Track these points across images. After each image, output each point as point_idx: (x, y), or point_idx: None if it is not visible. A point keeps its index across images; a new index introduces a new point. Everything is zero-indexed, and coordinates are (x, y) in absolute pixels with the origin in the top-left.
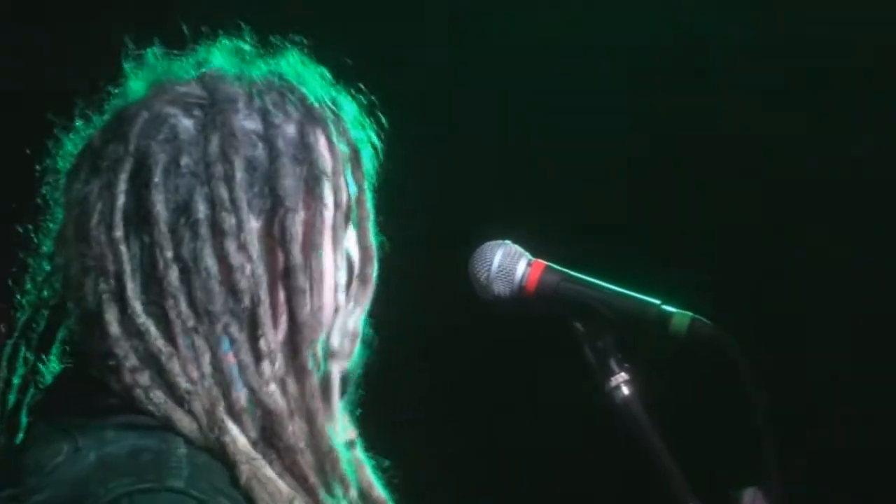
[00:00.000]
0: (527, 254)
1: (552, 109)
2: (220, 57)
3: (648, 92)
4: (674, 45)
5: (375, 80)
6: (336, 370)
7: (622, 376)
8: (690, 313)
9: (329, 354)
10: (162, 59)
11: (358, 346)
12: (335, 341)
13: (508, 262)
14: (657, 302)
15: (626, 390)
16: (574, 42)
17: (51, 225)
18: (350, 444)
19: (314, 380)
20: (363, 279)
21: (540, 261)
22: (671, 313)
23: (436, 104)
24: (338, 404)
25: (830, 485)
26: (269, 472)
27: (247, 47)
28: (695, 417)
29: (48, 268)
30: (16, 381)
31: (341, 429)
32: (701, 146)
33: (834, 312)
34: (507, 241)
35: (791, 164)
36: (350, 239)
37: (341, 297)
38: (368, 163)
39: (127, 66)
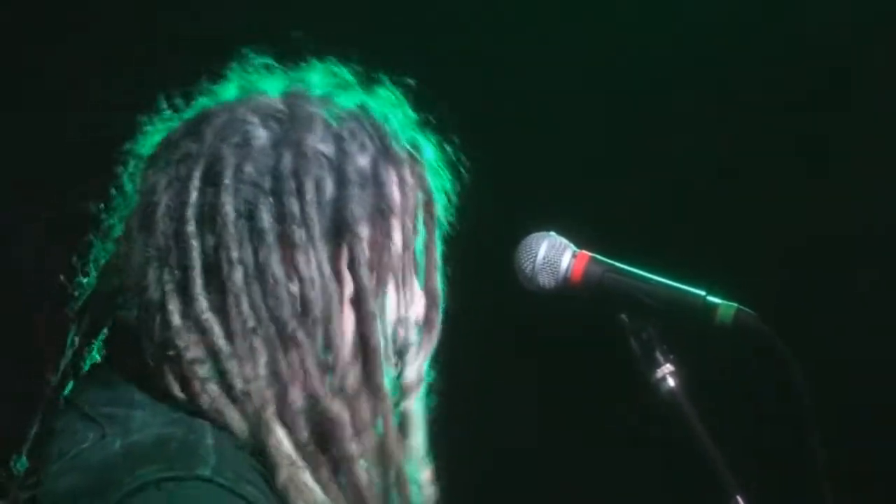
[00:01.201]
0: (572, 245)
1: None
2: (316, 78)
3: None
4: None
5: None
6: (411, 404)
7: (668, 367)
8: (735, 304)
9: (405, 387)
10: (260, 68)
11: (423, 389)
12: (411, 375)
13: (553, 254)
14: (702, 293)
15: (671, 381)
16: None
17: (123, 211)
18: (425, 482)
19: (388, 405)
20: (428, 324)
21: (585, 252)
22: (717, 304)
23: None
24: (415, 439)
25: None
26: (309, 478)
27: (346, 74)
28: (737, 410)
29: (112, 253)
30: (60, 367)
31: (415, 464)
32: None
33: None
34: (552, 233)
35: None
36: (415, 282)
37: (408, 335)
38: (442, 211)
39: (227, 69)
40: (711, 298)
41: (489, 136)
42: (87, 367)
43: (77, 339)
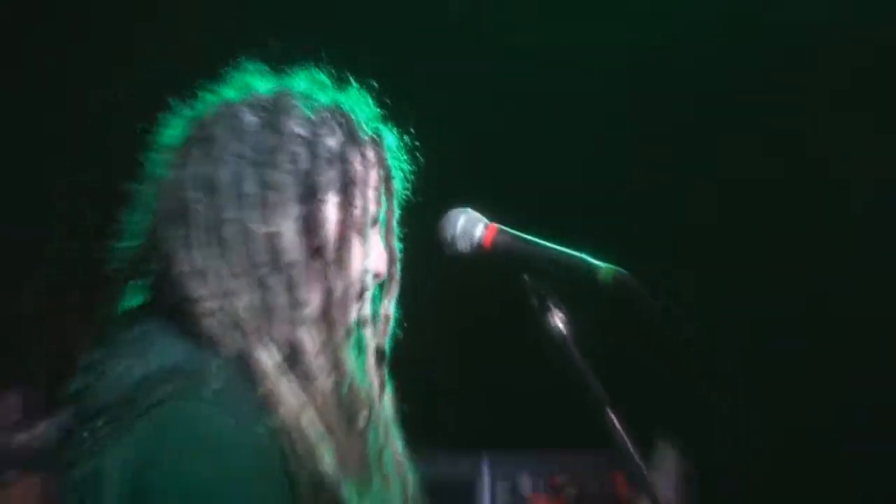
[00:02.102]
0: (484, 218)
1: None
2: (299, 80)
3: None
4: None
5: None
6: (369, 335)
7: (560, 317)
8: (614, 266)
9: (361, 322)
10: (255, 73)
11: (391, 327)
12: (366, 313)
13: (469, 225)
14: (586, 257)
15: (563, 328)
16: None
17: (147, 188)
18: (377, 389)
19: (340, 334)
20: (390, 276)
21: (495, 224)
22: (598, 266)
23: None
24: (369, 359)
25: None
26: (285, 388)
27: (323, 77)
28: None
29: (137, 220)
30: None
31: (365, 377)
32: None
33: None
34: (468, 209)
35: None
36: (377, 240)
37: (370, 281)
38: (399, 186)
39: (228, 74)
40: (594, 261)
41: (436, 130)
42: (120, 312)
43: (115, 290)
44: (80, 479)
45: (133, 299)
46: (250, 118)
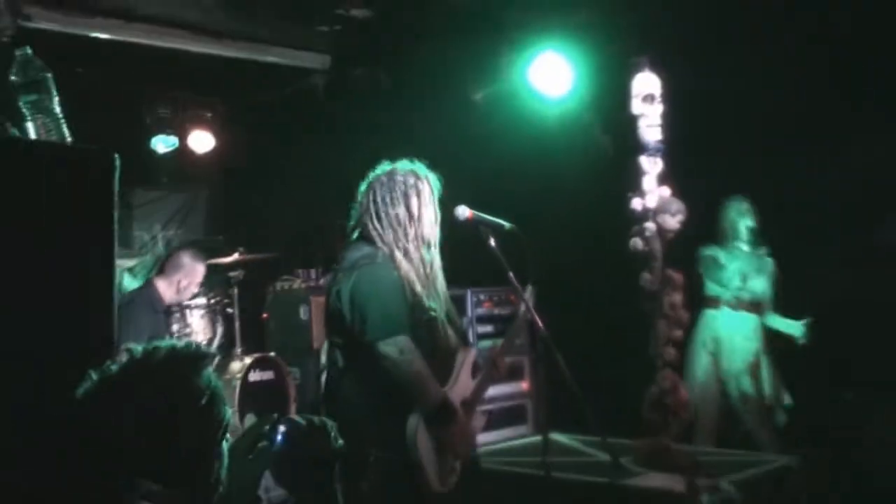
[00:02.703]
0: (469, 209)
1: None
2: (400, 163)
3: None
4: None
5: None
6: (434, 251)
7: (493, 241)
8: (515, 227)
9: (429, 245)
10: (400, 162)
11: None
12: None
13: (462, 211)
14: (504, 221)
15: (494, 245)
16: None
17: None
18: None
19: (424, 249)
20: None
21: (472, 210)
22: (510, 225)
23: None
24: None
25: None
26: (403, 263)
27: (412, 163)
28: None
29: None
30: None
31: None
32: None
33: None
34: (464, 206)
35: None
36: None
37: (432, 232)
38: (435, 197)
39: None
40: (510, 224)
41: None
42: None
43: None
44: (334, 293)
45: (353, 237)
46: (396, 176)
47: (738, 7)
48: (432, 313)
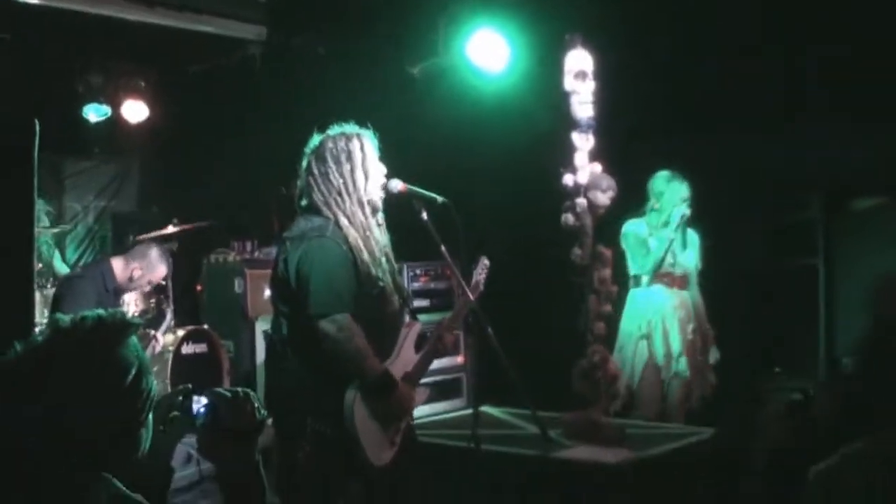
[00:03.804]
0: (401, 181)
1: None
2: (341, 127)
3: None
4: None
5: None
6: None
7: (424, 213)
8: (448, 201)
9: (375, 208)
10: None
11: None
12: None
13: (395, 184)
14: (441, 197)
15: (425, 216)
16: None
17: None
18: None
19: (369, 211)
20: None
21: (405, 184)
22: (443, 199)
23: None
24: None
25: None
26: (351, 231)
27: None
28: None
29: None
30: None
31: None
32: None
33: None
34: (396, 179)
35: None
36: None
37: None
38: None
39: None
40: (441, 197)
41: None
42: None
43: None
44: (282, 263)
45: (302, 205)
46: (329, 143)
47: None
48: (380, 284)
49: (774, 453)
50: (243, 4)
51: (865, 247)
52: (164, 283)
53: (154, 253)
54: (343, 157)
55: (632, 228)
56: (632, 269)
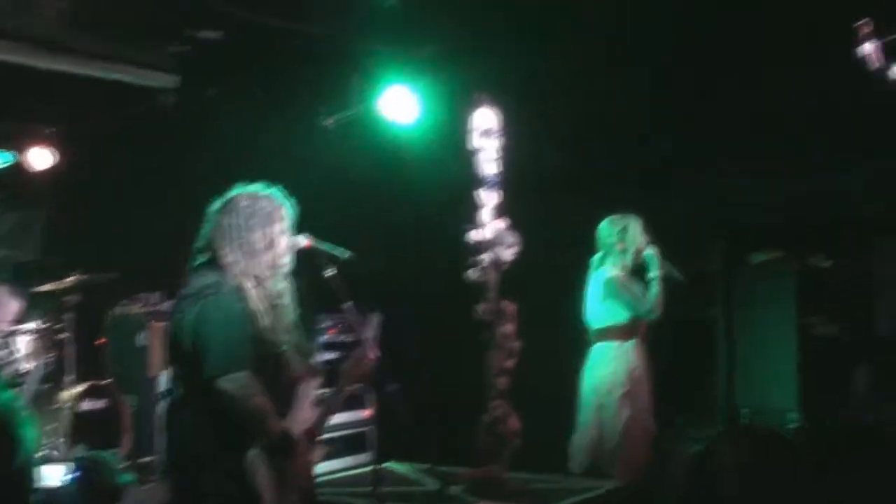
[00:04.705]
0: (306, 236)
1: None
2: (258, 186)
3: None
4: None
5: None
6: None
7: (329, 269)
8: (353, 255)
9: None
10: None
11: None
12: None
13: (300, 239)
14: (345, 253)
15: (330, 272)
16: None
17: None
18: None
19: (277, 282)
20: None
21: (310, 239)
22: (349, 256)
23: None
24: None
25: None
26: (252, 294)
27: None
28: None
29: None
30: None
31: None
32: None
33: None
34: (302, 234)
35: None
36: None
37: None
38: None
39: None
40: (347, 253)
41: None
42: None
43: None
44: (177, 322)
45: (200, 261)
46: (241, 202)
47: (575, 48)
48: (282, 347)
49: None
50: (156, 54)
51: (761, 298)
52: (18, 325)
53: (2, 292)
54: (270, 220)
55: (613, 275)
56: (620, 320)
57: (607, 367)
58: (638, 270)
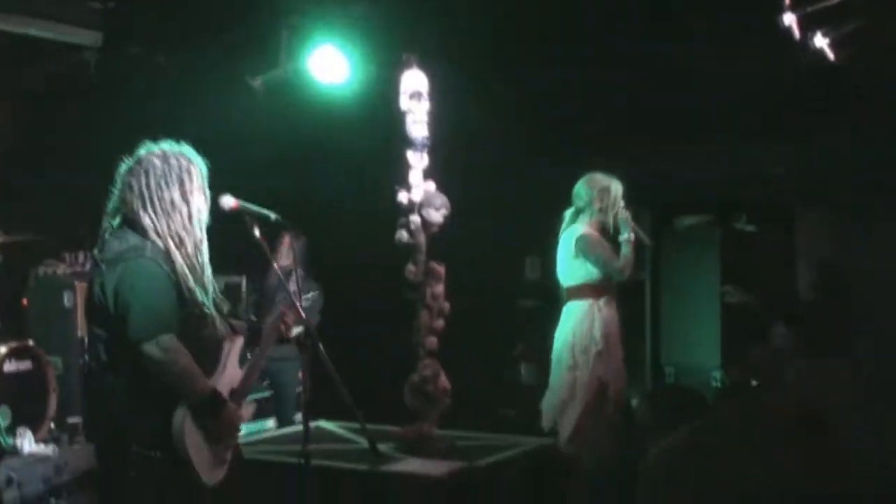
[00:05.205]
0: (233, 197)
1: None
2: (167, 144)
3: None
4: None
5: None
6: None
7: (257, 229)
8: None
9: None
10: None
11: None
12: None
13: (227, 200)
14: (273, 214)
15: (258, 233)
16: None
17: (117, 184)
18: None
19: (199, 239)
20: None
21: (237, 200)
22: (276, 216)
23: None
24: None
25: None
26: (176, 254)
27: (170, 143)
28: None
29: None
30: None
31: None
32: None
33: None
34: (228, 195)
35: None
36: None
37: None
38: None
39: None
40: (273, 214)
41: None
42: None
43: (107, 222)
44: (98, 285)
45: (116, 223)
46: (154, 160)
47: (510, 12)
48: (205, 309)
49: (601, 461)
50: (78, 9)
51: (687, 261)
52: None
53: None
54: (186, 178)
55: (585, 232)
56: (593, 278)
57: (581, 326)
58: (606, 232)
